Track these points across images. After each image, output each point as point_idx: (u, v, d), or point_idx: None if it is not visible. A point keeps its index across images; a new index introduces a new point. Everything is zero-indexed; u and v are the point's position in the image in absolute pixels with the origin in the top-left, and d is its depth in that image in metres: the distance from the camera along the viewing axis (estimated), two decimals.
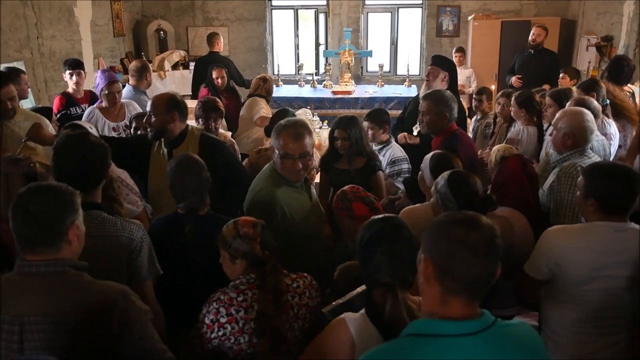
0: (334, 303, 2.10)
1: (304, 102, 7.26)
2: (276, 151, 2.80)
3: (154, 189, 3.30)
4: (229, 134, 5.04)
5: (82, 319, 1.68)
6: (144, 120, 3.42)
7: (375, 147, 4.16)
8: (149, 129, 3.36)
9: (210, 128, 4.15)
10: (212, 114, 4.21)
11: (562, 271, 2.30)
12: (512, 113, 4.60)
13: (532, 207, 2.96)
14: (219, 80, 6.01)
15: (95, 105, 4.58)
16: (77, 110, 4.86)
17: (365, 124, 4.13)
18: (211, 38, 7.36)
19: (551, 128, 3.33)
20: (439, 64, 4.58)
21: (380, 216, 2.05)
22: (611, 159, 3.68)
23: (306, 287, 2.25)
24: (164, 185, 2.78)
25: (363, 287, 2.03)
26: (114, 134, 4.41)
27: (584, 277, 2.26)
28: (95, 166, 2.31)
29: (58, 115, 4.74)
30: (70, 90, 4.95)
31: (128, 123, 4.42)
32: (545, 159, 3.61)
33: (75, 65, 4.93)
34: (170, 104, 3.29)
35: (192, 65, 8.33)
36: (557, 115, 3.24)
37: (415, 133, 4.58)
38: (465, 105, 7.29)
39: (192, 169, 2.67)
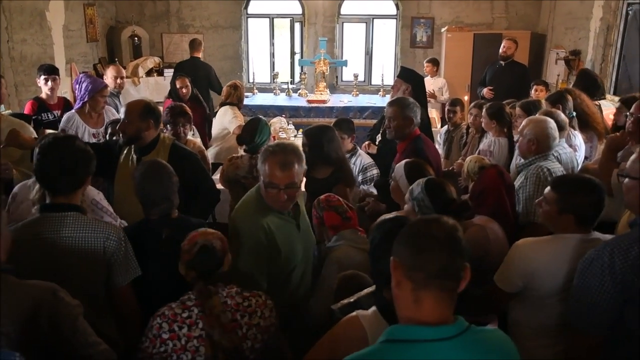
0: (342, 302, 2.12)
1: (279, 110, 7.29)
2: (261, 177, 2.59)
3: (120, 195, 3.26)
4: (199, 140, 4.99)
5: (10, 321, 1.66)
6: (117, 127, 3.40)
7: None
8: (120, 135, 3.34)
9: (179, 134, 4.13)
10: (180, 118, 4.18)
11: (535, 284, 2.35)
12: (483, 124, 4.70)
13: (509, 215, 3.04)
14: (184, 90, 5.88)
15: (73, 111, 4.51)
16: (48, 117, 4.79)
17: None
18: (193, 43, 7.42)
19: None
20: (402, 76, 4.74)
21: (391, 216, 2.10)
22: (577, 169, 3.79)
23: (258, 307, 2.17)
24: (130, 191, 2.73)
25: (370, 288, 2.07)
26: (93, 140, 4.35)
27: (555, 288, 2.32)
28: (77, 169, 2.30)
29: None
30: (43, 95, 4.87)
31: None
32: (516, 170, 3.70)
33: (51, 71, 4.86)
34: (146, 112, 3.28)
35: (166, 72, 8.28)
36: (523, 123, 3.44)
37: (377, 142, 4.69)
38: (438, 115, 7.44)
39: (162, 175, 2.63)
